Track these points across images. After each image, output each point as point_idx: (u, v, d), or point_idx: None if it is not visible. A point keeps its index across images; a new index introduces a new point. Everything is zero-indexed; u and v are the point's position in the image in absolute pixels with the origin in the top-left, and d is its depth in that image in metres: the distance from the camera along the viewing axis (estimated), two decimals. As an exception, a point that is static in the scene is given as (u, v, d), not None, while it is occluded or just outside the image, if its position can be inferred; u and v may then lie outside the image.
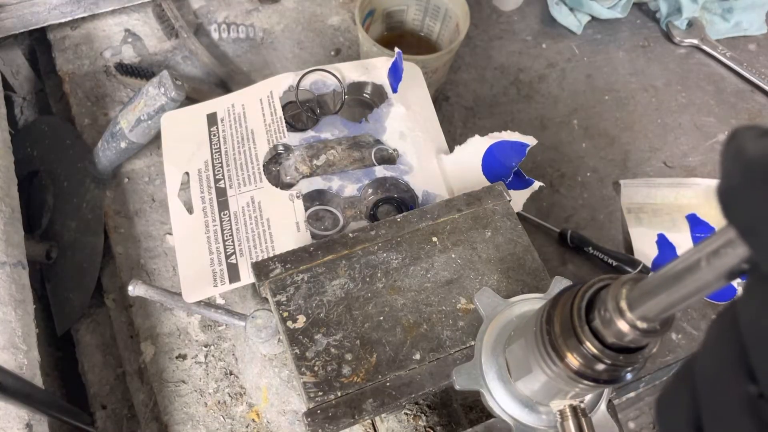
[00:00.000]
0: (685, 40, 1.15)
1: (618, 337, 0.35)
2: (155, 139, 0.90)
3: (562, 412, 0.45)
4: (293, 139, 0.82)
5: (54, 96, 1.08)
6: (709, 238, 0.27)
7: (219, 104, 0.86)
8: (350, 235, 0.70)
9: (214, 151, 0.83)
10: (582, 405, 0.45)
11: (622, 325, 0.34)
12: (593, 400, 0.50)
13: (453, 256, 0.70)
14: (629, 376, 0.38)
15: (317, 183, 0.79)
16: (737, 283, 0.87)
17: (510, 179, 0.81)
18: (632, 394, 0.77)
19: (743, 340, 0.24)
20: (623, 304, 0.34)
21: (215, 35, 1.09)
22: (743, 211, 0.23)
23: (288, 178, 0.82)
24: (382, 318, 0.66)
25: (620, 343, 0.36)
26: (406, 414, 0.73)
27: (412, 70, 0.89)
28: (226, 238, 0.77)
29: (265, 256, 0.71)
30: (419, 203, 0.79)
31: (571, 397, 0.44)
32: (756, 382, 0.23)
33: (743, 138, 0.23)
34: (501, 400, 0.50)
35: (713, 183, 0.98)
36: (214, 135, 0.84)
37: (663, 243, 0.92)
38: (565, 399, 0.44)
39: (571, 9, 1.15)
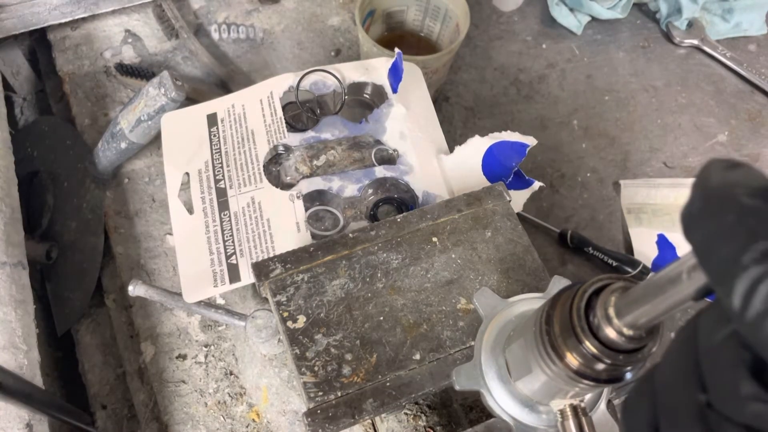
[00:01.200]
0: (685, 41, 1.15)
1: (606, 342, 0.36)
2: (155, 140, 0.90)
3: (562, 412, 0.45)
4: (293, 139, 0.82)
5: (54, 96, 1.08)
6: (692, 252, 0.27)
7: (219, 104, 0.87)
8: (350, 235, 0.70)
9: (214, 151, 0.83)
10: (582, 404, 0.45)
11: (610, 332, 0.35)
12: (593, 399, 0.50)
13: (453, 256, 0.70)
14: (629, 375, 0.38)
15: (317, 183, 0.79)
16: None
17: (510, 179, 0.81)
18: (632, 395, 0.78)
19: (698, 353, 0.26)
20: (611, 311, 0.35)
21: (215, 35, 1.09)
22: (698, 235, 0.25)
23: (288, 178, 0.82)
24: (382, 318, 0.66)
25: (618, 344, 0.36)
26: (406, 414, 0.73)
27: (412, 71, 0.89)
28: (226, 239, 0.77)
29: (266, 257, 0.71)
30: (419, 203, 0.79)
31: (571, 396, 0.44)
32: (706, 392, 0.25)
33: (711, 168, 0.25)
34: (501, 400, 0.50)
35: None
36: (215, 135, 0.84)
37: (663, 243, 0.92)
38: (565, 398, 0.44)
39: (571, 9, 1.15)
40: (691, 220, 0.25)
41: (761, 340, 0.22)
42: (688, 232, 0.25)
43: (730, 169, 0.24)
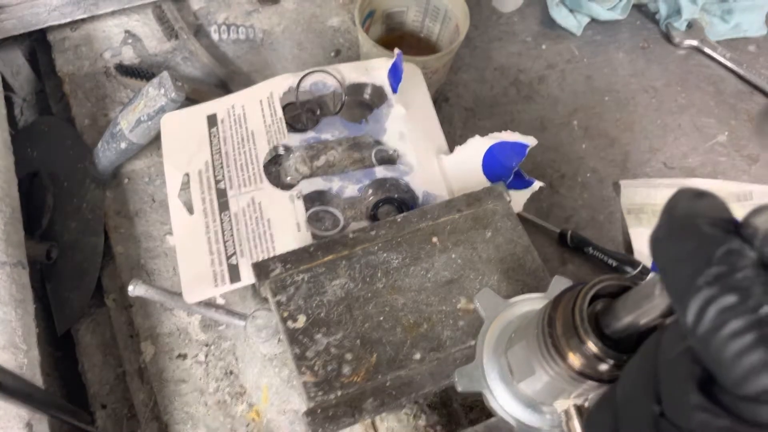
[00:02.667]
0: (685, 42, 1.15)
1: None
2: (155, 140, 0.90)
3: (566, 412, 0.45)
4: (293, 139, 0.82)
5: (54, 97, 1.08)
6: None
7: (219, 105, 0.87)
8: (350, 235, 0.70)
9: (214, 152, 0.83)
10: (586, 404, 0.45)
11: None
12: (596, 399, 0.50)
13: (453, 256, 0.70)
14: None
15: (317, 184, 0.79)
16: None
17: (510, 179, 0.81)
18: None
19: (656, 366, 0.29)
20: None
21: (215, 36, 1.09)
22: (663, 258, 0.27)
23: (288, 178, 0.82)
24: (382, 318, 0.66)
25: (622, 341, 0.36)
26: (406, 414, 0.73)
27: (412, 71, 0.89)
28: (226, 239, 0.77)
29: (266, 257, 0.71)
30: (419, 203, 0.79)
31: (574, 396, 0.44)
32: (660, 403, 0.28)
33: (679, 197, 0.27)
34: (504, 402, 0.50)
35: (713, 184, 0.98)
36: (214, 136, 0.84)
37: (663, 244, 0.92)
38: (568, 399, 0.44)
39: (570, 10, 1.15)
40: (658, 243, 0.28)
41: (709, 354, 0.24)
42: (655, 255, 0.28)
43: (695, 198, 0.27)
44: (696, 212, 0.26)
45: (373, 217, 0.80)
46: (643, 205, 0.96)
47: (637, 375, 0.31)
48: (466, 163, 0.83)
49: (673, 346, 0.28)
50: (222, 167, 0.81)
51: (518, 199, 0.82)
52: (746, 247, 0.25)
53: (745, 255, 0.24)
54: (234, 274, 0.75)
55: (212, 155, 0.83)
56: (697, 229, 0.26)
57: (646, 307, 0.33)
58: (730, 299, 0.24)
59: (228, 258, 0.76)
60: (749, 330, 0.23)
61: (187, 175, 0.82)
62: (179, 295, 0.76)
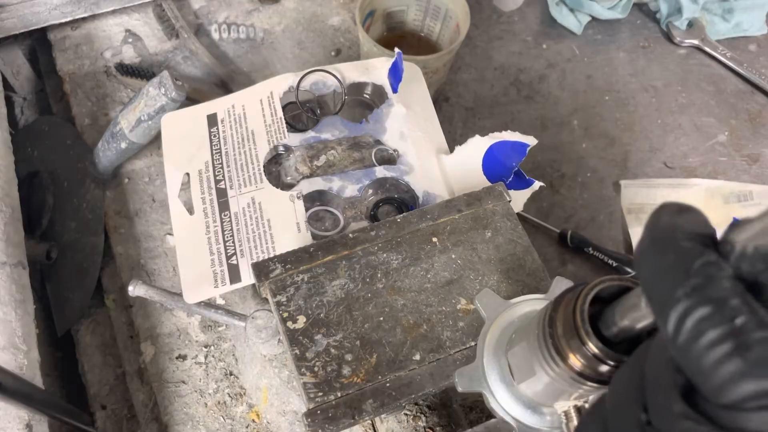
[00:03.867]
0: (686, 41, 1.15)
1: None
2: (155, 140, 0.90)
3: (566, 413, 0.45)
4: (293, 139, 0.82)
5: (54, 96, 1.08)
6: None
7: (219, 105, 0.86)
8: (350, 235, 0.70)
9: (214, 151, 0.83)
10: (587, 405, 0.45)
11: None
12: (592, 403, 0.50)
13: (453, 256, 0.70)
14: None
15: (318, 183, 0.79)
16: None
17: (510, 179, 0.81)
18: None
19: (643, 376, 0.29)
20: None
21: (216, 35, 1.09)
22: (645, 270, 0.28)
23: (288, 178, 0.82)
24: (382, 318, 0.66)
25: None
26: (406, 414, 0.73)
27: (412, 71, 0.89)
28: (226, 239, 0.76)
29: (266, 257, 0.71)
30: (419, 203, 0.79)
31: (575, 398, 0.44)
32: (647, 411, 0.28)
33: (661, 211, 0.28)
34: (504, 403, 0.50)
35: (713, 184, 0.98)
36: (215, 136, 0.84)
37: (663, 243, 0.92)
38: (569, 400, 0.44)
39: (571, 9, 1.15)
40: (640, 256, 0.28)
41: (688, 364, 0.25)
42: (637, 267, 0.28)
43: (678, 213, 0.28)
44: (676, 227, 0.27)
45: (373, 217, 0.80)
46: (643, 205, 0.96)
47: (627, 382, 0.31)
48: (466, 163, 0.82)
49: (660, 355, 0.28)
50: (222, 167, 0.81)
51: (518, 199, 0.82)
52: (723, 260, 0.25)
53: (721, 267, 0.25)
54: (234, 274, 0.75)
55: (212, 155, 0.83)
56: (677, 243, 0.26)
57: (635, 316, 0.34)
58: (706, 310, 0.24)
59: (228, 258, 0.75)
60: (725, 340, 0.23)
61: (188, 174, 0.82)
62: (179, 295, 0.75)
